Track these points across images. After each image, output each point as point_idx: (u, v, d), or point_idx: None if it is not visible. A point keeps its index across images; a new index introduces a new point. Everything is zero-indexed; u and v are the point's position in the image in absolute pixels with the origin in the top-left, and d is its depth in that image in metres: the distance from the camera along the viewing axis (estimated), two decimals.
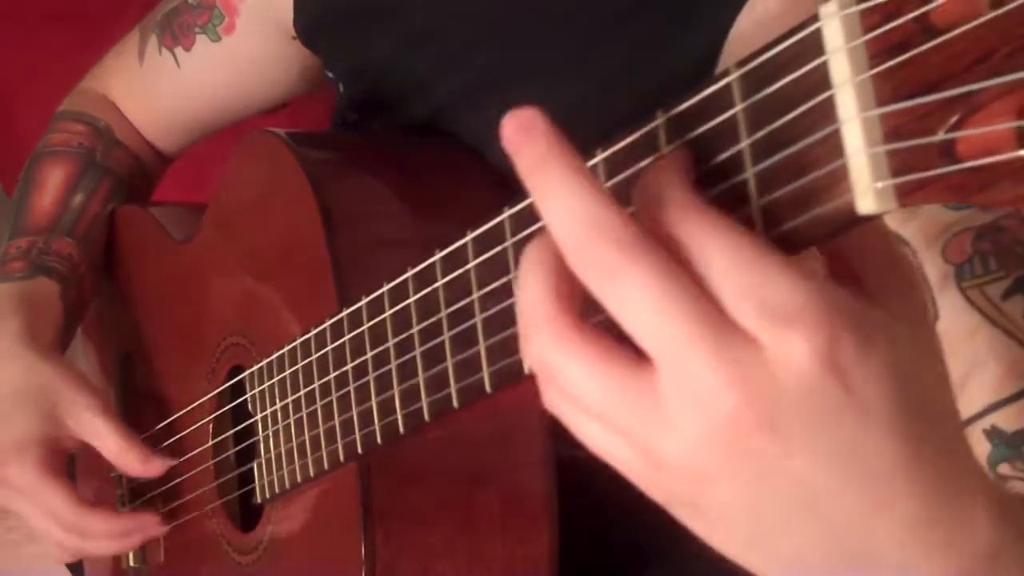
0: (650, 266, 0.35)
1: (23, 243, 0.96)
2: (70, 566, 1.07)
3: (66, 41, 1.39)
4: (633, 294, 0.35)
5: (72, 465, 0.93)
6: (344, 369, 0.62)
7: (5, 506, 0.88)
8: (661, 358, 0.35)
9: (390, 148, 0.81)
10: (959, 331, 0.56)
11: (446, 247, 0.52)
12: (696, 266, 0.35)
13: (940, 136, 0.32)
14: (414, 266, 0.55)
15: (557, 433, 0.72)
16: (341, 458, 0.64)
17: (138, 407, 0.96)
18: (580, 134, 0.44)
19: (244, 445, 0.81)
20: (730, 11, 0.67)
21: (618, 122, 0.42)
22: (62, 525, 0.85)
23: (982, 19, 0.31)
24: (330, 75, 0.90)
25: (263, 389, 0.73)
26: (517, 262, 0.47)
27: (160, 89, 1.01)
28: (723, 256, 0.35)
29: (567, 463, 0.71)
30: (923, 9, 0.32)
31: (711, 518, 0.38)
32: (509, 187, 0.47)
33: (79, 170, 1.00)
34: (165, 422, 0.90)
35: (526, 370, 0.48)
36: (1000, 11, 0.31)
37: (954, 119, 0.32)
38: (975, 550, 0.36)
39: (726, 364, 0.34)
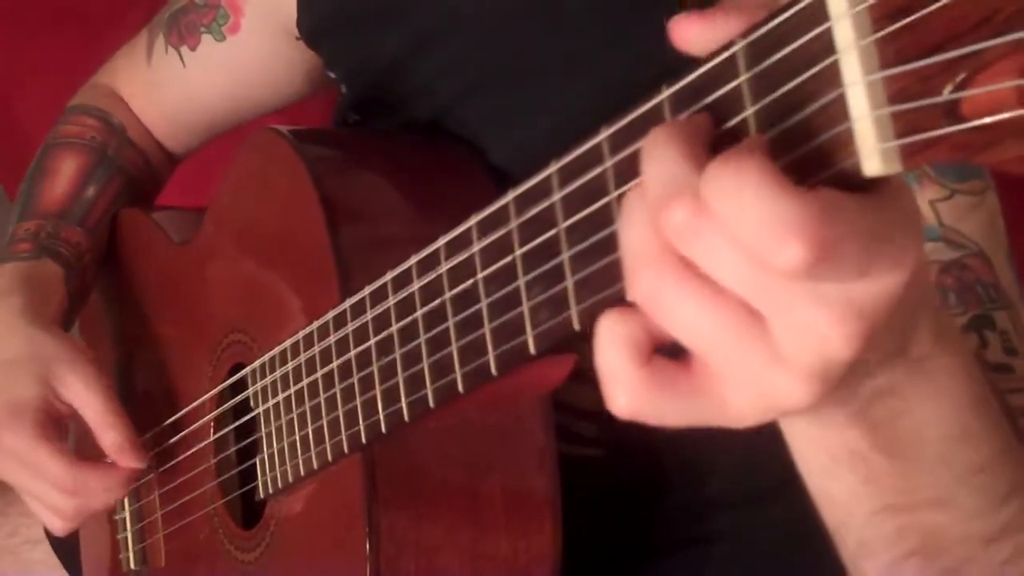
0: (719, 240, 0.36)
1: (31, 226, 0.96)
2: (68, 567, 1.06)
3: (66, 41, 1.40)
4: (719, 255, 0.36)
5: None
6: (347, 357, 0.62)
7: (2, 476, 0.87)
8: (776, 315, 0.36)
9: (392, 146, 0.81)
10: None
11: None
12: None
13: (944, 97, 0.33)
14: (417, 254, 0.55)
15: (558, 430, 0.72)
16: (345, 449, 0.64)
17: (139, 408, 0.96)
18: (579, 135, 0.44)
19: (245, 443, 0.81)
20: None
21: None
22: (61, 488, 0.84)
23: None
24: (332, 76, 0.91)
25: (265, 384, 0.73)
26: (521, 243, 0.48)
27: (166, 88, 1.01)
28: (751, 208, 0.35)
29: (568, 462, 0.71)
30: None
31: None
32: (509, 185, 0.48)
33: (92, 162, 1.01)
34: (166, 422, 0.90)
35: (532, 350, 0.48)
36: None
37: (958, 80, 0.32)
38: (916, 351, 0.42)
39: (832, 308, 0.36)
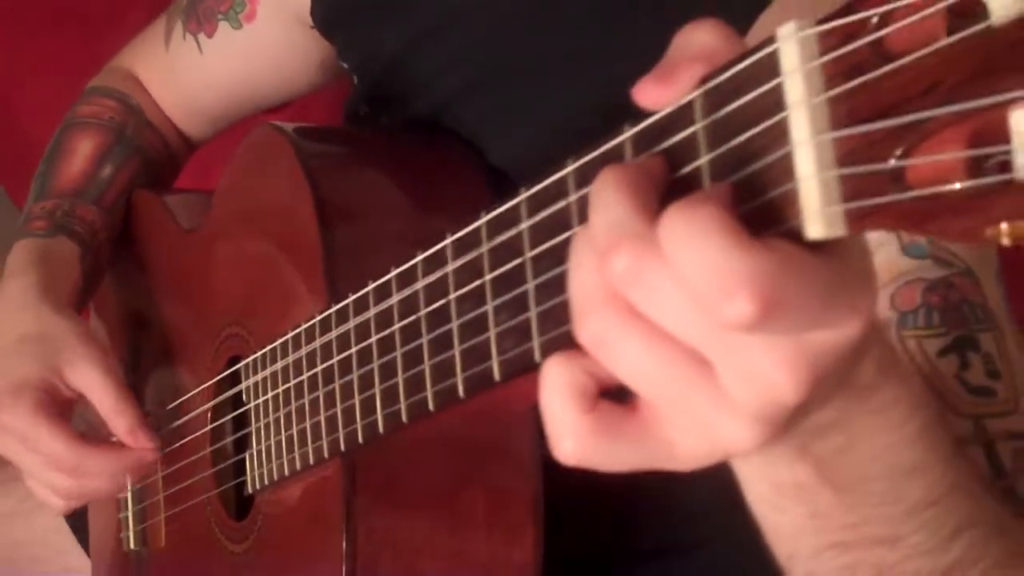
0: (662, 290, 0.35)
1: (48, 204, 0.97)
2: (78, 534, 1.08)
3: (66, 41, 1.40)
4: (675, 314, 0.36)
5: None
6: (330, 363, 0.62)
7: (2, 453, 0.87)
8: (720, 360, 0.36)
9: (389, 145, 0.81)
10: None
11: (429, 247, 0.52)
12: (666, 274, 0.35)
13: (891, 163, 0.32)
14: (397, 265, 0.55)
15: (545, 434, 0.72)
16: (326, 454, 0.64)
17: (146, 390, 0.97)
18: (584, 133, 0.44)
19: (240, 434, 0.81)
20: (745, 16, 0.66)
21: (619, 123, 0.42)
22: (61, 468, 0.84)
23: (937, 45, 0.31)
24: (345, 66, 0.91)
25: (256, 380, 0.73)
26: (492, 267, 0.47)
27: (184, 74, 1.01)
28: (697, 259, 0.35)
29: (555, 464, 0.71)
30: (879, 34, 0.32)
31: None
32: (507, 184, 0.47)
33: (110, 142, 1.01)
34: (168, 407, 0.91)
35: (496, 377, 0.48)
36: (955, 38, 0.30)
37: (904, 146, 0.31)
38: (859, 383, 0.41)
39: (780, 356, 0.35)
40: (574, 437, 0.39)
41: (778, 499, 0.45)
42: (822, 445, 0.42)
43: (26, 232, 0.95)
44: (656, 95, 0.38)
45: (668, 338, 0.36)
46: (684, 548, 0.81)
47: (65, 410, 0.86)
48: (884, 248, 0.57)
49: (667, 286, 0.35)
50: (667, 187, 0.38)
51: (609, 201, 0.36)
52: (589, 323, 0.37)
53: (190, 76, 1.01)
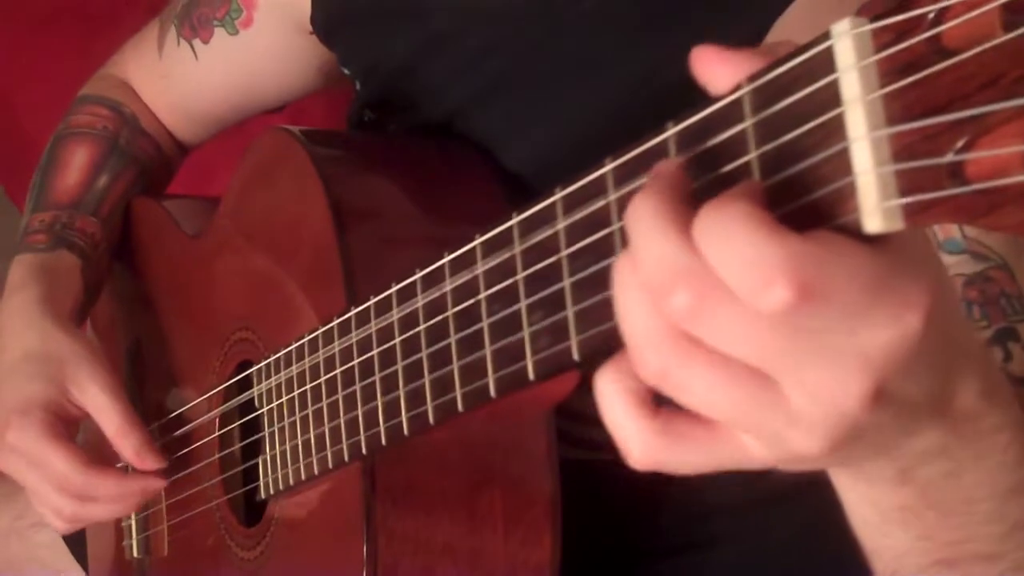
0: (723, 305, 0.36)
1: (46, 217, 0.96)
2: (74, 551, 1.07)
3: (66, 41, 1.40)
4: (727, 327, 0.36)
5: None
6: (350, 366, 0.62)
7: (6, 470, 0.87)
8: (784, 377, 0.36)
9: (402, 149, 0.81)
10: None
11: (455, 248, 0.52)
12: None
13: (949, 157, 0.32)
14: (423, 267, 0.55)
15: (561, 435, 0.72)
16: (346, 458, 0.64)
17: (146, 400, 0.96)
18: (595, 139, 0.44)
19: (249, 440, 0.81)
20: (755, 32, 0.67)
21: (634, 129, 0.42)
22: (67, 489, 0.83)
23: (994, 42, 0.31)
24: (346, 72, 0.91)
25: (269, 385, 0.73)
26: (525, 266, 0.47)
27: (178, 80, 1.01)
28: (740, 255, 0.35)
29: (569, 466, 0.71)
30: (935, 30, 0.32)
31: (823, 461, 0.41)
32: (521, 189, 0.47)
33: (104, 152, 1.01)
34: (172, 415, 0.91)
35: (531, 377, 0.48)
36: (1013, 34, 0.31)
37: (963, 140, 0.32)
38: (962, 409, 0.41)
39: (840, 361, 0.36)
40: (642, 444, 0.39)
41: (883, 524, 0.45)
42: (927, 471, 0.43)
43: (26, 247, 0.95)
44: (715, 65, 0.39)
45: (731, 363, 0.37)
46: (703, 545, 0.81)
47: (72, 429, 0.86)
48: None
49: (727, 314, 0.35)
50: (712, 185, 0.38)
51: (652, 235, 0.36)
52: (651, 359, 0.38)
53: (185, 82, 1.01)
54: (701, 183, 0.38)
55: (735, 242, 0.34)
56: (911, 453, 0.42)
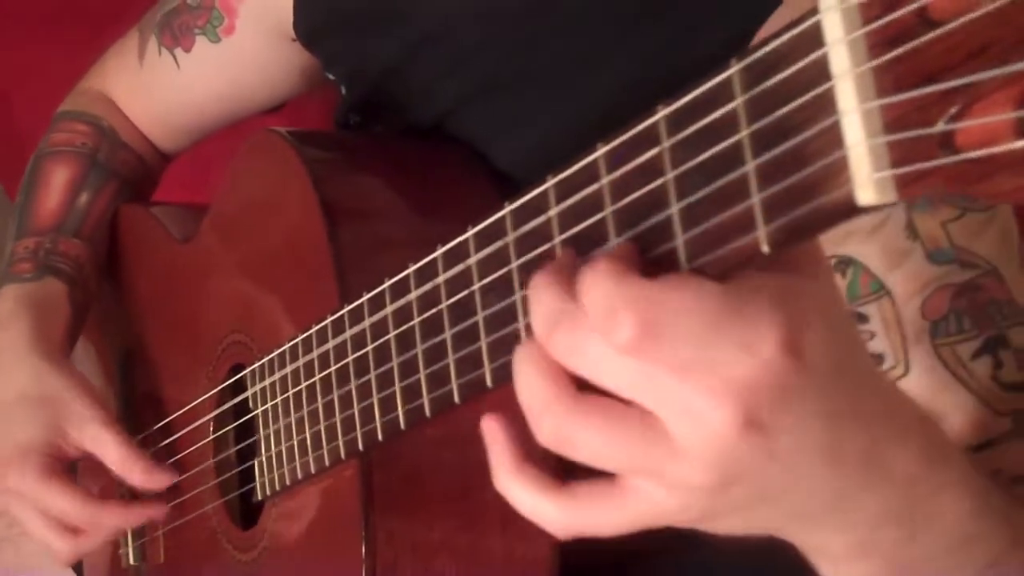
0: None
1: (30, 243, 0.96)
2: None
3: (66, 41, 1.39)
4: (610, 369, 0.40)
5: (74, 468, 0.93)
6: (345, 363, 0.62)
7: (5, 511, 0.88)
8: (659, 407, 0.39)
9: (393, 148, 0.81)
10: (925, 387, 0.59)
11: (448, 242, 0.52)
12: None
13: (939, 127, 0.33)
14: (415, 262, 0.55)
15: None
16: (342, 455, 0.64)
17: (138, 406, 0.96)
18: (585, 138, 0.44)
19: (245, 444, 0.81)
20: (744, 27, 0.67)
21: (623, 125, 0.43)
22: (68, 526, 0.85)
23: (980, 12, 0.32)
24: (331, 76, 0.91)
25: (264, 386, 0.73)
26: (518, 255, 0.48)
27: (160, 90, 1.01)
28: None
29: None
30: (922, 2, 0.33)
31: (737, 514, 0.43)
32: (511, 189, 0.48)
33: (83, 169, 1.00)
34: (165, 420, 0.90)
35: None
36: (998, 3, 0.31)
37: (953, 110, 0.32)
38: (903, 473, 0.43)
39: (707, 389, 0.38)
40: (558, 517, 0.43)
41: None
42: (884, 536, 0.44)
43: (12, 277, 0.95)
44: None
45: (614, 409, 0.40)
46: (692, 545, 0.81)
47: (69, 467, 0.88)
48: (910, 258, 0.58)
49: (598, 349, 0.39)
50: (706, 164, 0.38)
51: (540, 295, 0.41)
52: (545, 425, 0.41)
53: (167, 92, 1.01)
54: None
55: (595, 289, 0.38)
56: (862, 523, 0.43)
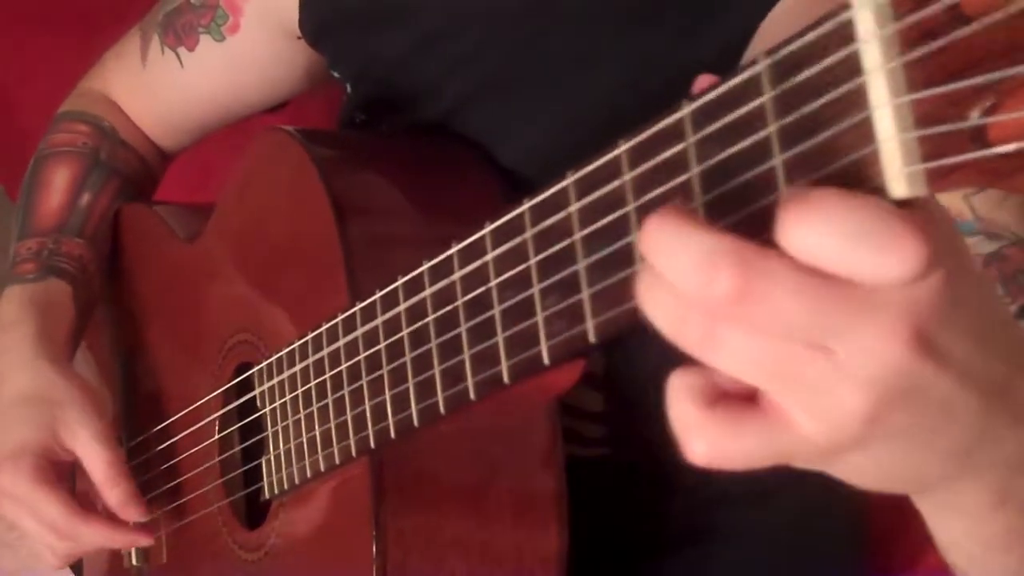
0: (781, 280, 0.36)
1: (33, 244, 0.96)
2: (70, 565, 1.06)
3: (66, 41, 1.39)
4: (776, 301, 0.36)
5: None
6: (356, 360, 0.62)
7: (2, 512, 0.88)
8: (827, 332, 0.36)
9: (401, 146, 0.81)
10: None
11: (460, 241, 0.52)
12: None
13: (971, 121, 0.33)
14: (429, 259, 0.55)
15: (562, 432, 0.72)
16: (353, 453, 0.64)
17: (140, 405, 0.96)
18: (591, 135, 0.44)
19: (250, 442, 0.81)
20: (745, 27, 0.67)
21: (630, 124, 0.43)
22: (58, 532, 0.86)
23: (1012, 8, 0.32)
24: (336, 75, 0.91)
25: (272, 384, 0.73)
26: (537, 252, 0.48)
27: (163, 89, 1.01)
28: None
29: (573, 462, 0.72)
30: None
31: (893, 442, 0.39)
32: (517, 185, 0.48)
33: (85, 169, 1.00)
34: (169, 420, 0.90)
35: (546, 361, 0.48)
36: None
37: (985, 105, 0.32)
38: None
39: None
40: (702, 434, 0.38)
41: (986, 553, 0.45)
42: (1020, 484, 0.43)
43: (16, 278, 0.95)
44: None
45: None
46: (706, 539, 0.82)
47: (63, 472, 0.88)
48: None
49: (777, 288, 0.35)
50: (732, 160, 0.39)
51: (687, 238, 0.36)
52: (694, 323, 0.37)
53: (170, 91, 1.01)
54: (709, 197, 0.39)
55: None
56: (1001, 465, 0.41)
